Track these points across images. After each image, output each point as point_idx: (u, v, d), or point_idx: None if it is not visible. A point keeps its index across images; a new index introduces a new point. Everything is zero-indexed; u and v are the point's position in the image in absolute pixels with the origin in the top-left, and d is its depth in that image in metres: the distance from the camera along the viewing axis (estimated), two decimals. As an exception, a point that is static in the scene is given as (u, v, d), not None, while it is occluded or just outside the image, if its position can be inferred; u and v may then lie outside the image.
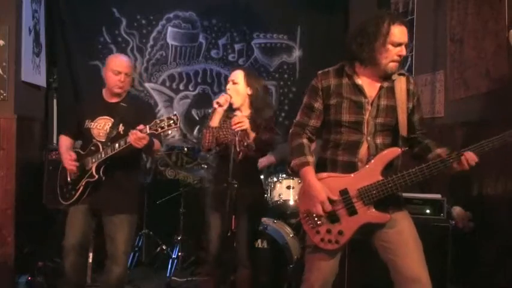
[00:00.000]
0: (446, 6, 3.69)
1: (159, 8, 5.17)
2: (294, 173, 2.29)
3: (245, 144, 2.90)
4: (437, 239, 3.00)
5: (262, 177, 3.89)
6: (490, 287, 3.07)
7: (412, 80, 2.32)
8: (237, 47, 5.32)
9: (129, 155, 2.88)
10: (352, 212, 2.20)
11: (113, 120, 2.99)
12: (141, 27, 5.15)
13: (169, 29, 5.19)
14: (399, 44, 2.16)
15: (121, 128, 2.98)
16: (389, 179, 2.16)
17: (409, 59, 4.13)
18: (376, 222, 2.20)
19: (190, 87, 5.24)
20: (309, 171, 2.24)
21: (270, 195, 4.00)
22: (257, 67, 5.33)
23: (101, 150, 2.90)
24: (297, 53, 5.41)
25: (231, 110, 3.02)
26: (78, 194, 2.96)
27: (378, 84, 2.25)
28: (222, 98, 2.92)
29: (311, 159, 2.26)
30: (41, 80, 4.50)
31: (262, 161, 4.56)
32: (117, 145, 2.82)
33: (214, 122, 2.94)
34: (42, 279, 3.69)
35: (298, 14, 5.37)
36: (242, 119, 2.83)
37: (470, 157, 2.10)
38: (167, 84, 5.24)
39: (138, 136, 2.69)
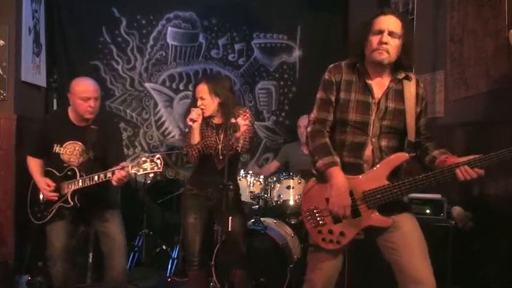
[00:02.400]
0: (446, 6, 3.69)
1: (159, 8, 5.17)
2: (319, 174, 2.23)
3: (234, 146, 2.93)
4: (437, 239, 2.99)
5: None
6: (490, 287, 3.06)
7: (421, 84, 2.28)
8: (237, 47, 5.31)
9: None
10: (355, 214, 2.19)
11: (82, 144, 2.95)
12: (141, 27, 5.15)
13: (169, 29, 5.19)
14: (379, 32, 2.12)
15: (91, 153, 2.95)
16: (395, 184, 2.14)
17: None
18: (379, 226, 2.19)
19: (190, 87, 5.19)
20: (339, 172, 2.16)
21: (270, 195, 3.99)
22: (257, 67, 5.34)
23: (78, 177, 2.88)
24: (297, 53, 5.40)
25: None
26: (50, 216, 2.95)
27: (386, 85, 2.22)
28: (194, 114, 2.96)
29: (338, 159, 2.20)
30: (41, 80, 4.50)
31: (271, 167, 4.55)
32: (96, 177, 2.80)
33: (195, 138, 2.99)
34: (42, 279, 3.69)
35: (298, 14, 5.37)
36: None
37: (466, 170, 2.04)
38: (167, 84, 5.24)
39: (121, 176, 2.68)
